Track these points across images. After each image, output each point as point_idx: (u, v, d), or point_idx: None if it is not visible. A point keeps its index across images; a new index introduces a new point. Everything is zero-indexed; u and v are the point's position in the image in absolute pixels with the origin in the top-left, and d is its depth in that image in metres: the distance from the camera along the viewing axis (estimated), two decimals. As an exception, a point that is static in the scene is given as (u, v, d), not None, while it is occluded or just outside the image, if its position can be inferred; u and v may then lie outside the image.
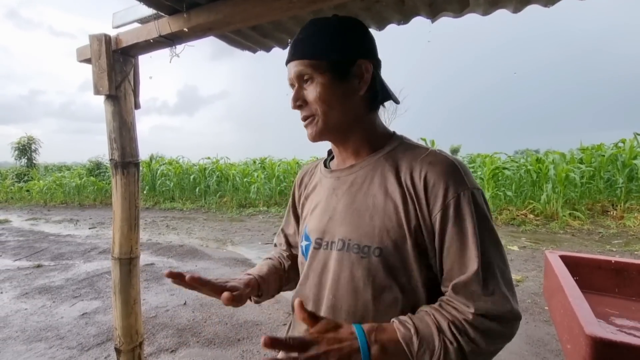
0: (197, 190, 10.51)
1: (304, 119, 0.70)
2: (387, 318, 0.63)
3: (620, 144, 7.46)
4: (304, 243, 0.76)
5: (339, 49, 0.66)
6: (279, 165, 10.45)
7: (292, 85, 0.71)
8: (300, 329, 0.75)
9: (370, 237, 0.64)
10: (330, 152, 0.83)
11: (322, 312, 0.69)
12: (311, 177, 0.83)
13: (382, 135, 0.72)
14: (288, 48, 0.72)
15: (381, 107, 0.74)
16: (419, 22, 1.36)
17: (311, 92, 0.67)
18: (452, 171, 0.61)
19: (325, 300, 0.68)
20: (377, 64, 0.70)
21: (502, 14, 1.26)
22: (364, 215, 0.65)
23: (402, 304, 0.64)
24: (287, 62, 0.71)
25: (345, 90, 0.67)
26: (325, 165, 0.80)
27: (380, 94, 0.71)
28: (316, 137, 0.70)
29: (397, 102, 0.75)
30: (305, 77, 0.68)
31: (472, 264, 0.58)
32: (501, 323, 0.58)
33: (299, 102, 0.69)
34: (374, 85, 0.69)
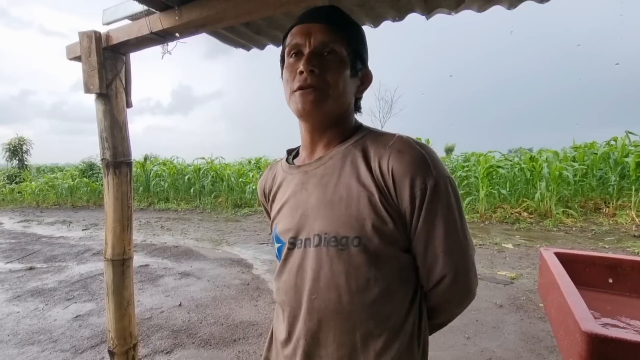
0: (191, 190, 10.44)
1: (308, 86, 0.63)
2: (378, 311, 0.61)
3: (612, 142, 7.55)
4: (277, 245, 0.72)
5: (362, 46, 0.69)
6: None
7: (297, 45, 0.65)
8: (281, 338, 0.71)
9: (348, 226, 0.61)
10: (289, 152, 0.81)
11: (302, 316, 0.65)
12: (273, 180, 0.78)
13: (353, 127, 0.73)
14: (302, 14, 0.69)
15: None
16: (415, 20, 1.35)
17: (332, 66, 0.63)
18: (418, 161, 0.60)
19: (306, 302, 0.65)
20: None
21: (497, 15, 1.26)
22: (338, 206, 0.63)
23: (393, 293, 0.62)
24: (309, 21, 0.65)
25: (352, 83, 0.68)
26: (288, 162, 0.77)
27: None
28: (313, 109, 0.64)
29: (359, 111, 0.78)
30: (328, 49, 0.63)
31: (437, 260, 0.62)
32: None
33: (317, 69, 0.62)
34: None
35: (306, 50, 0.64)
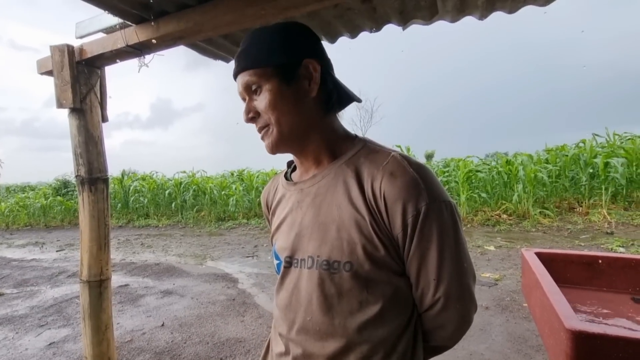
0: (173, 205, 10.17)
1: (260, 130, 0.67)
2: (372, 334, 0.60)
3: (581, 144, 7.94)
4: (275, 262, 0.72)
5: (282, 52, 0.64)
6: (257, 177, 10.32)
7: (243, 99, 0.68)
8: (277, 350, 0.71)
9: (339, 251, 0.60)
10: (290, 164, 0.80)
11: (297, 336, 0.65)
12: (275, 193, 0.78)
13: (343, 139, 0.69)
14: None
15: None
16: (393, 33, 1.39)
17: (261, 101, 0.64)
18: (411, 186, 0.57)
19: (300, 322, 0.64)
20: (326, 64, 0.67)
21: (469, 27, 1.31)
22: (330, 228, 0.62)
23: (386, 316, 0.61)
24: (234, 76, 0.68)
25: (296, 94, 0.64)
26: (286, 178, 0.76)
27: (335, 94, 0.67)
28: (274, 148, 0.66)
29: (359, 100, 0.72)
30: (254, 87, 0.65)
31: (429, 287, 0.61)
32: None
33: (251, 114, 0.66)
34: (326, 86, 0.66)
35: (245, 100, 0.68)
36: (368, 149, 0.66)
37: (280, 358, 0.70)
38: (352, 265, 0.60)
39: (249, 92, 0.66)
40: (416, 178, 0.58)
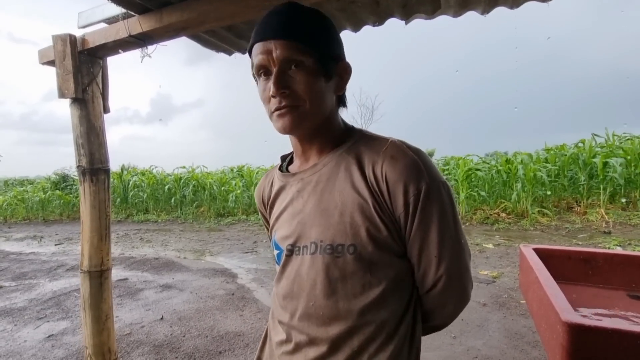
0: (172, 200, 10.16)
1: (283, 107, 0.62)
2: (374, 316, 0.61)
3: (580, 144, 7.96)
4: (276, 252, 0.73)
5: (330, 43, 0.65)
6: (257, 173, 10.32)
7: (263, 66, 0.62)
8: (277, 338, 0.72)
9: (343, 234, 0.62)
10: (284, 158, 0.80)
11: (300, 322, 0.66)
12: (271, 187, 0.78)
13: (343, 130, 0.71)
14: (260, 24, 0.64)
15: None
16: (395, 29, 1.39)
17: (301, 80, 0.61)
18: (411, 167, 0.59)
19: (304, 308, 0.65)
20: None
21: (471, 21, 1.32)
22: (333, 214, 0.63)
23: (388, 298, 0.62)
24: (267, 38, 0.61)
25: (329, 87, 0.66)
26: (282, 170, 0.77)
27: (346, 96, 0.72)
28: (294, 128, 0.63)
29: (345, 106, 0.75)
30: (295, 63, 0.61)
31: (431, 265, 0.62)
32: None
33: (286, 90, 0.61)
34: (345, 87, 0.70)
35: (273, 70, 0.61)
36: (366, 137, 0.68)
37: (281, 346, 0.70)
38: (355, 248, 0.61)
39: (285, 63, 0.61)
40: (416, 160, 0.60)
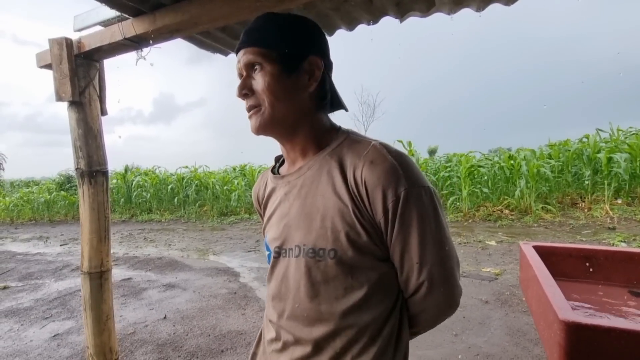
0: (175, 200, 10.22)
1: (249, 108, 0.67)
2: (357, 319, 0.62)
3: (585, 140, 7.88)
4: (267, 253, 0.75)
5: (292, 42, 0.65)
6: (259, 172, 10.34)
7: (240, 74, 0.68)
8: (268, 336, 0.73)
9: (324, 239, 0.62)
10: (278, 159, 0.81)
11: (286, 323, 0.67)
12: (265, 188, 0.80)
13: (328, 131, 0.70)
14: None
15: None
16: (396, 27, 1.38)
17: (259, 81, 0.65)
18: (390, 172, 0.59)
19: (289, 310, 0.67)
20: (328, 65, 0.70)
21: (472, 24, 1.30)
22: (315, 218, 0.64)
23: (372, 301, 0.62)
24: (237, 50, 0.68)
25: (294, 85, 0.65)
26: (274, 172, 0.78)
27: (329, 95, 0.70)
28: (260, 129, 0.67)
29: (346, 109, 0.75)
30: (255, 66, 0.65)
31: (413, 271, 0.62)
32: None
33: (245, 90, 0.66)
34: (324, 85, 0.69)
35: (242, 76, 0.67)
36: (350, 140, 0.67)
37: (271, 344, 0.72)
38: (336, 252, 0.61)
39: (249, 69, 0.66)
40: (395, 165, 0.59)
